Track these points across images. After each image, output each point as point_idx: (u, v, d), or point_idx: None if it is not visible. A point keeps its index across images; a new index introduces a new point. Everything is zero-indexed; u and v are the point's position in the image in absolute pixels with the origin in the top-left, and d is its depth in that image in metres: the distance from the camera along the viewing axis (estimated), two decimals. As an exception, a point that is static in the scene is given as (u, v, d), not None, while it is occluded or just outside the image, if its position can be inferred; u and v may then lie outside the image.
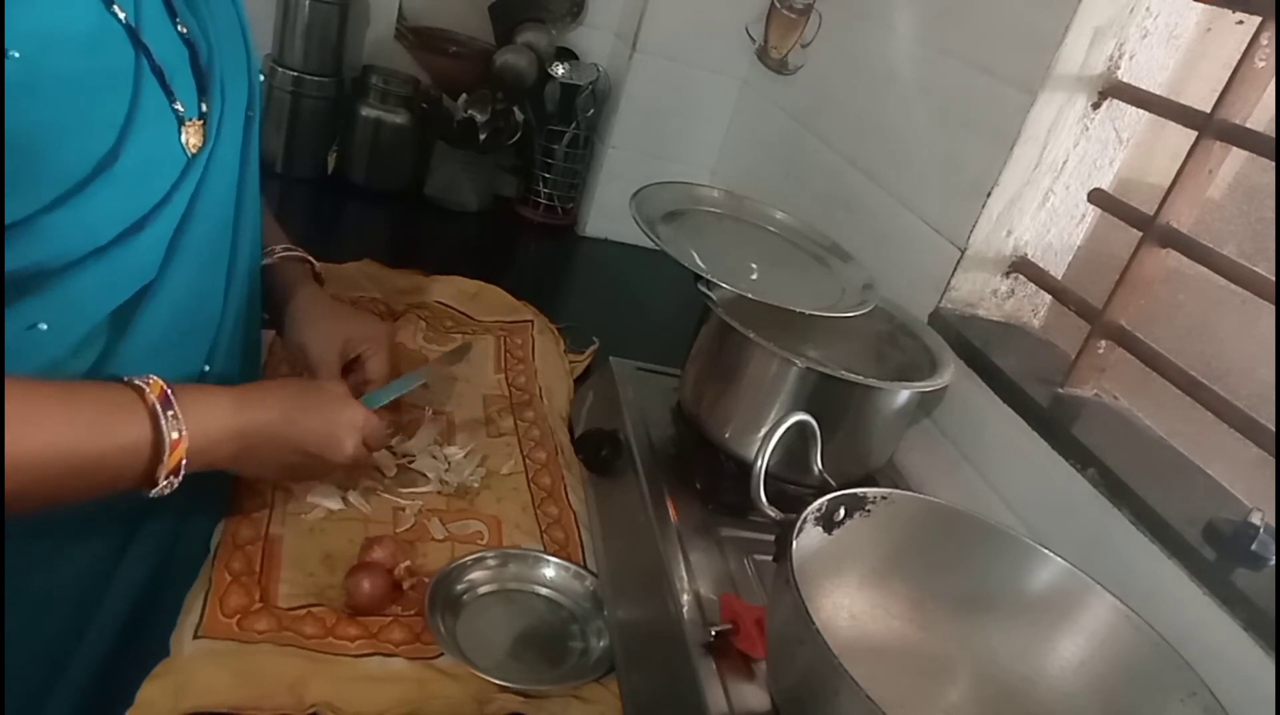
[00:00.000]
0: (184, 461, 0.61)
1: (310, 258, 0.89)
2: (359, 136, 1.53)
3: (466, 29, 1.67)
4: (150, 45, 0.60)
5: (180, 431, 0.61)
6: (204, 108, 0.66)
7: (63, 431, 0.56)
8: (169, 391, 0.61)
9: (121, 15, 0.58)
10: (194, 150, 0.65)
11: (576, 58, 1.65)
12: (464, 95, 1.54)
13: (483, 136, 1.55)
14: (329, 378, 0.82)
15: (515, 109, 1.57)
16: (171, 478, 0.61)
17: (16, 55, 0.52)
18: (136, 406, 0.60)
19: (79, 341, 0.62)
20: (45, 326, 0.59)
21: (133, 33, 0.59)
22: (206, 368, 0.72)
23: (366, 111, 1.51)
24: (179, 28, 0.64)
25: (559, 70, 1.58)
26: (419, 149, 1.58)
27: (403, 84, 1.52)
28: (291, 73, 1.48)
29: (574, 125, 1.60)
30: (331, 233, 1.44)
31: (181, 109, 0.63)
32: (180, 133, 0.64)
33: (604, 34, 1.69)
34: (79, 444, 0.57)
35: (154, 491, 0.61)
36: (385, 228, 1.55)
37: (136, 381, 0.61)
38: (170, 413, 0.60)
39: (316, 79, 1.50)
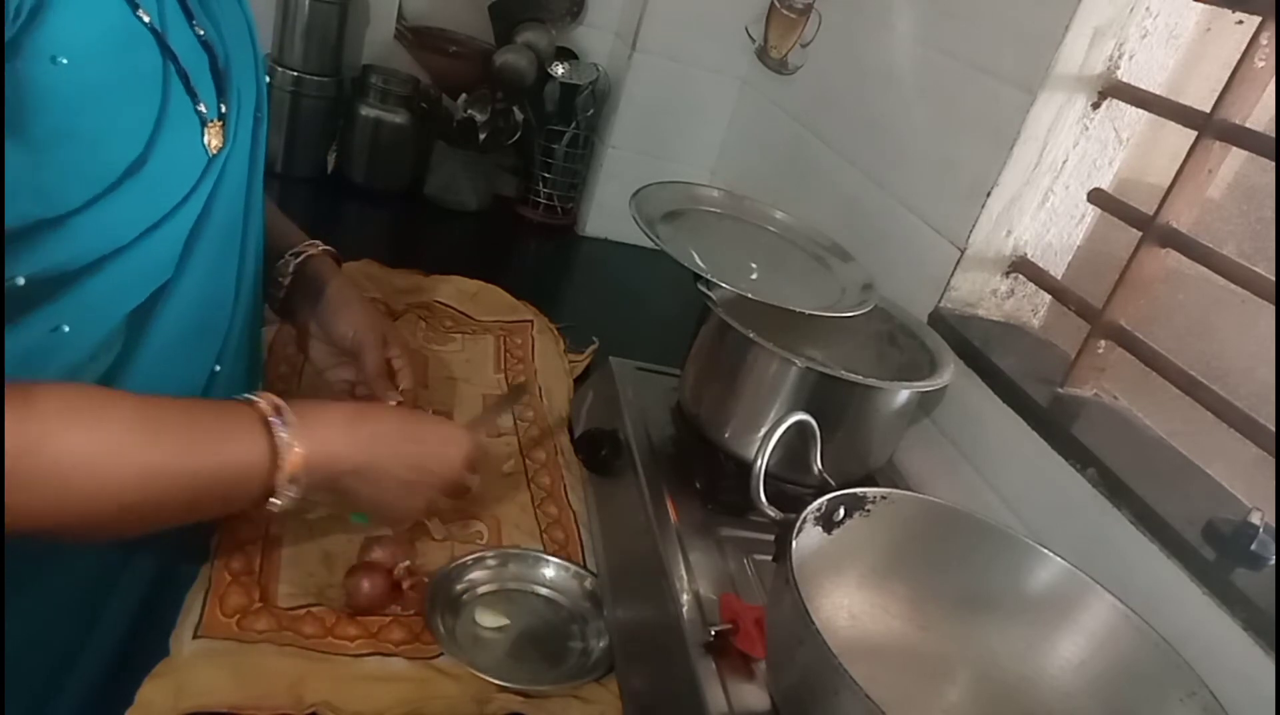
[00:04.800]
0: (303, 469, 0.60)
1: (336, 253, 0.90)
2: (359, 136, 1.53)
3: (466, 29, 1.67)
4: (174, 48, 0.60)
5: (295, 438, 0.60)
6: (223, 108, 0.66)
7: (182, 449, 0.56)
8: (280, 403, 0.61)
9: (146, 18, 0.58)
10: (215, 151, 0.66)
11: (576, 57, 1.65)
12: (464, 95, 1.54)
13: (482, 136, 1.55)
14: (374, 364, 0.83)
15: (515, 109, 1.57)
16: (291, 486, 0.60)
17: (65, 61, 0.52)
18: (251, 418, 0.60)
19: (97, 344, 0.62)
20: (68, 328, 0.59)
21: (159, 36, 0.59)
22: (217, 368, 0.72)
23: (366, 111, 1.51)
24: (196, 30, 0.65)
25: (559, 70, 1.58)
26: (419, 149, 1.58)
27: (402, 84, 1.52)
28: (291, 72, 1.48)
29: (574, 125, 1.60)
30: (331, 232, 1.41)
31: (204, 110, 0.64)
32: (203, 134, 0.64)
33: (604, 34, 1.69)
34: (198, 460, 0.57)
35: (274, 503, 0.60)
36: (385, 227, 1.55)
37: (248, 396, 0.61)
38: (283, 420, 0.60)
39: (316, 79, 1.50)
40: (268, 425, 0.60)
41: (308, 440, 0.61)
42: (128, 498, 0.54)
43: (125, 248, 0.61)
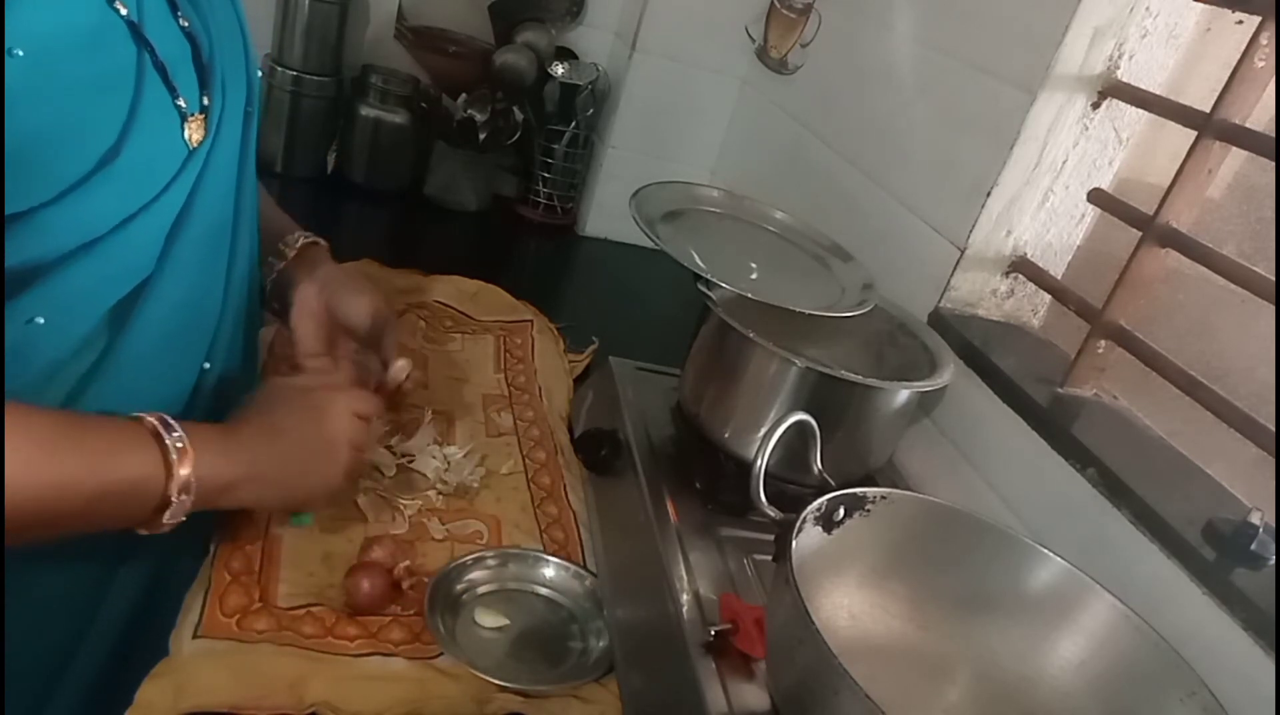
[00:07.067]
0: (193, 480, 0.60)
1: (325, 241, 0.89)
2: (358, 136, 1.52)
3: (466, 28, 1.67)
4: (153, 41, 0.59)
5: (185, 445, 0.60)
6: (205, 102, 0.65)
7: (79, 461, 0.55)
8: (166, 418, 0.60)
9: (123, 11, 0.57)
10: (195, 145, 0.65)
11: (576, 57, 1.65)
12: (464, 95, 1.54)
13: (482, 136, 1.55)
14: (392, 346, 0.81)
15: (515, 109, 1.57)
16: (183, 496, 0.60)
17: (20, 53, 0.51)
18: (139, 431, 0.59)
19: (79, 341, 0.62)
20: (42, 320, 0.59)
21: (135, 29, 0.58)
22: (206, 365, 0.71)
23: (366, 111, 1.51)
24: (180, 21, 0.64)
25: (559, 70, 1.58)
26: (418, 149, 1.58)
27: (402, 84, 1.52)
28: (291, 72, 1.48)
29: (574, 125, 1.60)
30: (331, 232, 1.41)
31: (184, 105, 0.63)
32: (183, 128, 0.64)
33: (604, 34, 1.69)
34: (93, 472, 0.56)
35: (167, 514, 0.60)
36: (385, 227, 1.54)
37: (135, 414, 0.60)
38: (172, 430, 0.60)
39: (316, 78, 1.50)
40: (158, 437, 0.59)
41: (195, 451, 0.60)
42: (27, 510, 0.53)
43: (100, 241, 0.60)
